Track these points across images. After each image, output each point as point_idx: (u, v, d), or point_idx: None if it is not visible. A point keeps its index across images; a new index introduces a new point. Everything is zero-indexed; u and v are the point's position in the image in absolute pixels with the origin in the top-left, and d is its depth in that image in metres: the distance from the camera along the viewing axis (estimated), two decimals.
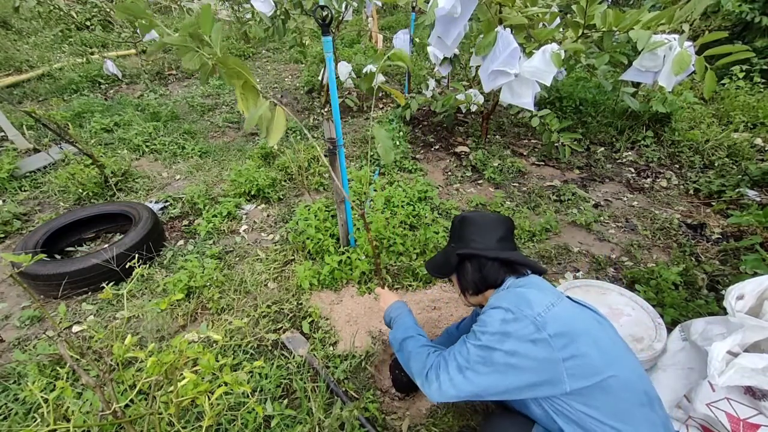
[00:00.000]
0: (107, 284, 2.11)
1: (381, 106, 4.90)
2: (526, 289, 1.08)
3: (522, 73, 2.30)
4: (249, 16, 4.34)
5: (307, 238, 2.38)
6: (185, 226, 2.86)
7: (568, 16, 2.70)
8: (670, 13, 2.14)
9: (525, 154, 3.86)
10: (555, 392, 0.98)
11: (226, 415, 1.54)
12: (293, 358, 1.82)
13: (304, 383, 1.69)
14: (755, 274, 1.75)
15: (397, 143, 3.68)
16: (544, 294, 1.06)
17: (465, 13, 2.30)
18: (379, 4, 4.32)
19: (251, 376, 1.70)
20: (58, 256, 2.42)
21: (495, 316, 1.03)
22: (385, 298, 1.53)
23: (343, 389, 1.70)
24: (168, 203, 3.09)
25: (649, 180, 3.42)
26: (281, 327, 2.00)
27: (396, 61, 1.26)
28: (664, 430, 0.98)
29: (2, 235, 2.72)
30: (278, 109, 1.08)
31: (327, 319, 2.06)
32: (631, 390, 0.97)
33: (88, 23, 5.78)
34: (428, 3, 2.41)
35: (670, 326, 1.76)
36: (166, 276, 2.30)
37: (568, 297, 1.14)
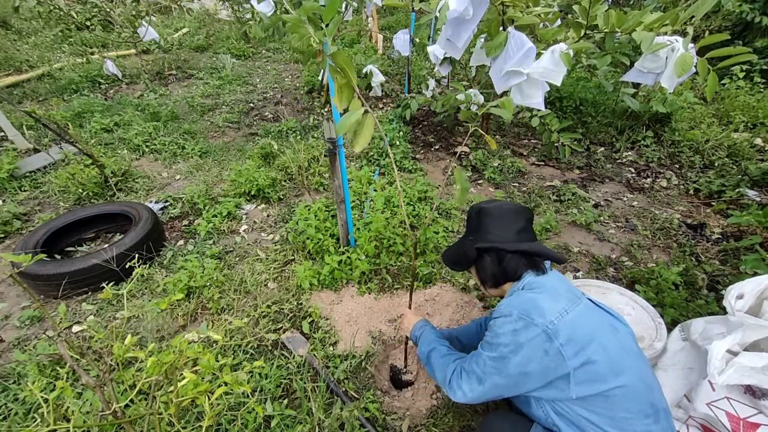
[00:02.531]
0: (107, 284, 2.11)
1: (381, 106, 4.90)
2: (538, 295, 1.06)
3: (531, 74, 2.28)
4: (249, 16, 4.34)
5: (307, 238, 2.38)
6: (185, 226, 2.86)
7: (569, 16, 2.69)
8: (673, 15, 2.14)
9: (525, 154, 3.86)
10: (560, 396, 1.00)
11: (226, 415, 1.54)
12: (293, 358, 1.82)
13: (304, 383, 1.69)
14: (755, 274, 1.75)
15: (397, 143, 3.68)
16: (556, 300, 1.04)
17: (477, 14, 2.27)
18: (379, 4, 4.31)
19: (251, 376, 1.70)
20: (58, 256, 2.42)
21: (506, 327, 1.04)
22: (408, 319, 1.56)
23: (343, 389, 1.70)
24: (168, 203, 3.09)
25: (649, 180, 3.42)
26: (281, 327, 2.00)
27: None
28: None
29: (2, 235, 2.72)
30: (368, 117, 1.06)
31: (327, 319, 2.06)
32: (636, 400, 0.97)
33: (88, 23, 5.77)
34: (438, 6, 2.38)
35: (670, 326, 1.76)
36: (166, 276, 2.30)
37: (588, 299, 1.13)
